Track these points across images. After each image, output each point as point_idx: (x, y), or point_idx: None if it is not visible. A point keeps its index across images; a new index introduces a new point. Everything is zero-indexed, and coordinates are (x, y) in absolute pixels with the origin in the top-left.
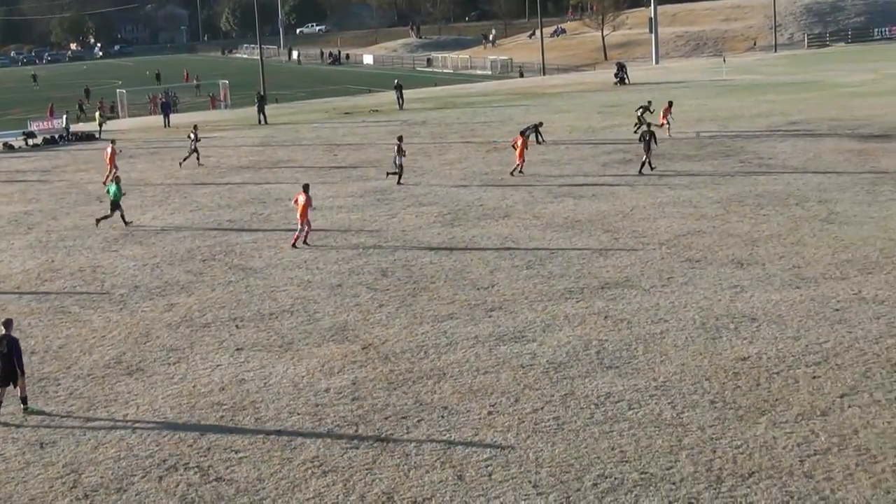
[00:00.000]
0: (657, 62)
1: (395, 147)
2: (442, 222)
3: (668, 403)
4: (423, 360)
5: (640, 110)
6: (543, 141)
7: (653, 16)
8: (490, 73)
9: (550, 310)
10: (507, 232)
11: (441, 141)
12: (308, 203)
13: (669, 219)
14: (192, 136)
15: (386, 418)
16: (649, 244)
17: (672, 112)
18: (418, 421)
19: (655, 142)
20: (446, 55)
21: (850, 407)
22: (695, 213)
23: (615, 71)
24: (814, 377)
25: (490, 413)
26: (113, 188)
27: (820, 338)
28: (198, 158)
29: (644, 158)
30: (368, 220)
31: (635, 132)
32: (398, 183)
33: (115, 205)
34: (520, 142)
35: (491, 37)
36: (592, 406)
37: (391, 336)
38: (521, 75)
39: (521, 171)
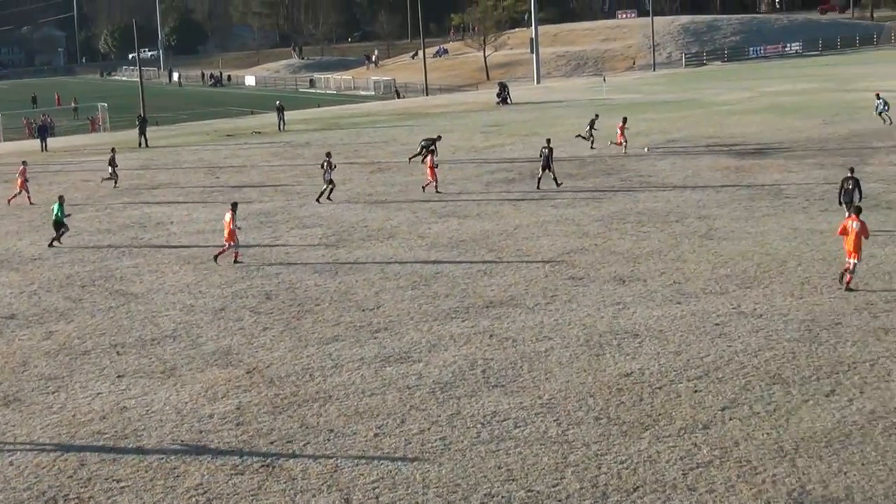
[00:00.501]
0: (539, 82)
1: (325, 163)
2: (326, 244)
3: (554, 421)
4: (308, 383)
5: (589, 125)
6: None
7: (534, 36)
8: (373, 93)
9: (436, 330)
10: (392, 252)
11: None
12: (231, 221)
13: (552, 237)
14: (111, 161)
15: (271, 443)
16: (533, 263)
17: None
18: (304, 445)
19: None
20: (329, 76)
21: (730, 419)
22: (577, 231)
23: (497, 91)
24: (695, 391)
25: (377, 435)
26: (56, 207)
27: (701, 352)
28: (115, 182)
29: (539, 175)
30: (252, 243)
31: (591, 147)
32: (328, 198)
33: (59, 224)
34: (429, 160)
35: (374, 57)
36: (479, 425)
37: (276, 359)
38: (399, 96)
39: (437, 190)
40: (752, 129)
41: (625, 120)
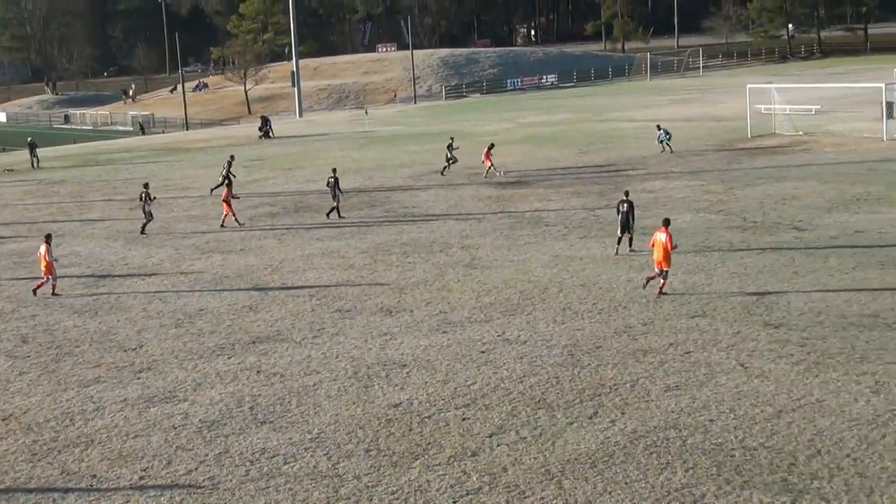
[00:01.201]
0: (301, 115)
1: (143, 194)
2: (86, 283)
3: (324, 455)
4: (68, 427)
5: (448, 149)
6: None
7: (295, 69)
8: (132, 128)
9: (201, 367)
10: (155, 290)
11: (82, 200)
12: (46, 253)
13: (318, 270)
14: None
15: (30, 492)
16: (299, 296)
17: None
18: (65, 492)
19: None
20: (85, 111)
21: (498, 446)
22: (343, 264)
23: (259, 125)
24: (463, 419)
25: (142, 478)
26: None
27: (468, 380)
28: None
29: (335, 205)
30: (6, 285)
31: (446, 169)
32: (143, 232)
33: None
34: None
35: (131, 92)
36: (248, 463)
37: (33, 405)
38: (143, 132)
39: (237, 222)
40: (513, 159)
41: (492, 145)
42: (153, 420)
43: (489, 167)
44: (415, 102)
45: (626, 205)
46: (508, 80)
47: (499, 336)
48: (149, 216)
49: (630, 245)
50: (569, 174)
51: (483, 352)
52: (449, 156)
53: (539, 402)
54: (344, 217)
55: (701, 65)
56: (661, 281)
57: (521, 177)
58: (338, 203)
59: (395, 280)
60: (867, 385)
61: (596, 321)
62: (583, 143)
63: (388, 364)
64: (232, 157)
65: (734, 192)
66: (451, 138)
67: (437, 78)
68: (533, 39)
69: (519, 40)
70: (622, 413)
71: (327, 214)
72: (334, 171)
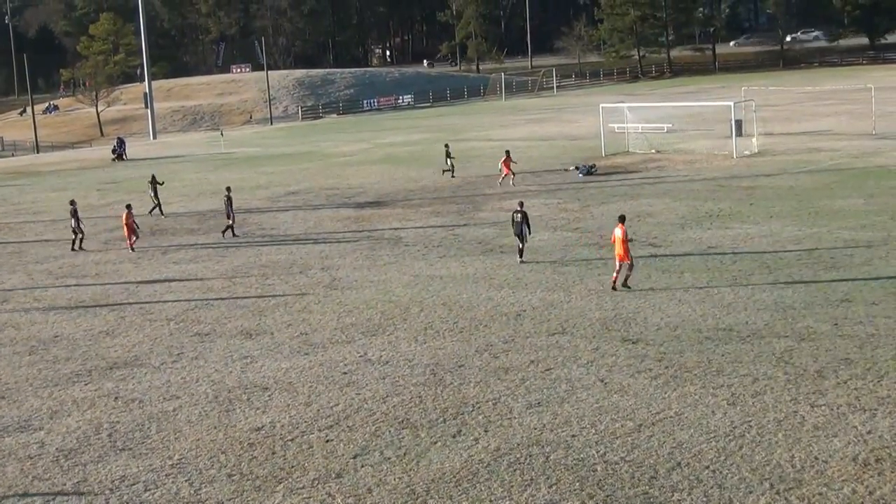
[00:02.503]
0: (155, 137)
1: (72, 211)
2: None
3: (186, 481)
4: None
5: (447, 151)
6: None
7: (147, 91)
8: None
9: (57, 395)
10: (7, 318)
11: None
12: None
13: (176, 293)
14: None
15: None
16: (157, 320)
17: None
18: None
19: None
20: None
21: (363, 467)
22: (202, 287)
23: (113, 147)
24: (327, 441)
25: None
26: None
27: (331, 401)
28: None
29: (229, 223)
30: None
31: (453, 171)
32: (81, 248)
33: None
34: (124, 216)
35: None
36: (107, 491)
37: None
38: None
39: (131, 248)
40: (370, 180)
41: (507, 153)
42: (8, 450)
43: (504, 176)
44: (271, 123)
45: (520, 215)
46: (365, 101)
47: (361, 357)
48: (79, 232)
49: (521, 255)
50: (426, 194)
51: (345, 373)
52: (449, 156)
53: (403, 421)
54: (237, 236)
55: (555, 84)
56: (627, 273)
57: (379, 197)
58: (233, 221)
59: (255, 302)
60: (724, 397)
61: (457, 340)
62: (441, 162)
63: (249, 387)
64: (153, 175)
65: (590, 209)
66: (447, 144)
67: (293, 99)
68: (388, 60)
69: (374, 61)
70: (485, 431)
71: (222, 233)
72: (228, 189)
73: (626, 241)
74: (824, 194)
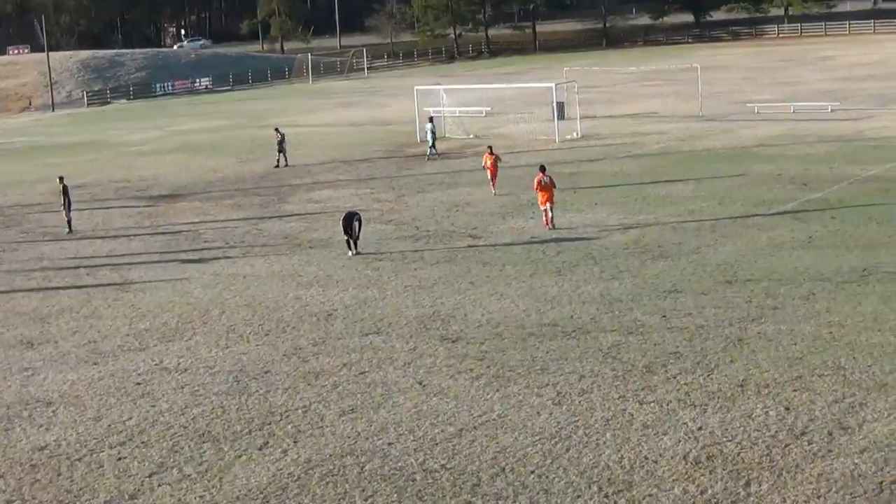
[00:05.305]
0: None
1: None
2: None
3: None
4: None
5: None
6: None
7: None
8: None
9: None
10: None
11: None
12: None
13: None
14: None
15: None
16: None
17: None
18: None
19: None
20: None
21: (160, 486)
22: None
23: None
24: (119, 458)
25: None
26: None
27: (123, 415)
28: None
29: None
30: None
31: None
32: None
33: None
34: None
35: None
36: None
37: None
38: None
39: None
40: (164, 171)
41: (490, 148)
42: None
43: (490, 178)
44: (53, 110)
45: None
46: (158, 85)
47: (156, 365)
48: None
49: (356, 246)
50: (227, 185)
51: (139, 383)
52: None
53: (203, 434)
54: (73, 231)
55: (366, 66)
56: (550, 215)
57: (175, 189)
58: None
59: (36, 308)
60: (549, 397)
61: (263, 343)
62: (242, 151)
63: (30, 403)
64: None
65: (405, 199)
66: (277, 128)
67: (78, 83)
68: (183, 39)
69: (168, 41)
70: (295, 442)
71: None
72: (61, 178)
73: (552, 186)
74: (651, 180)
